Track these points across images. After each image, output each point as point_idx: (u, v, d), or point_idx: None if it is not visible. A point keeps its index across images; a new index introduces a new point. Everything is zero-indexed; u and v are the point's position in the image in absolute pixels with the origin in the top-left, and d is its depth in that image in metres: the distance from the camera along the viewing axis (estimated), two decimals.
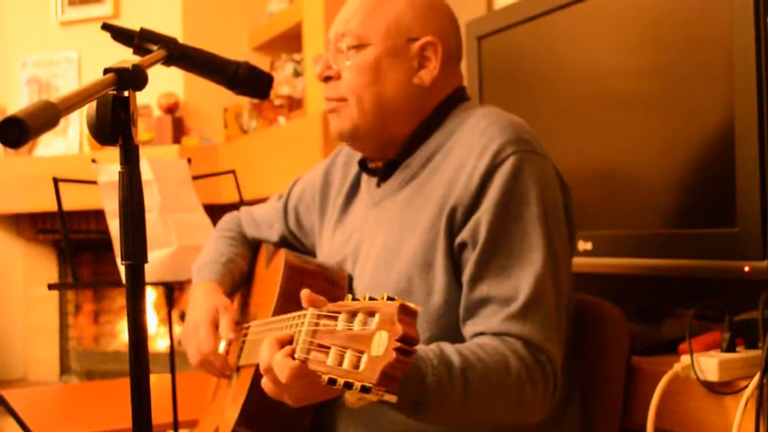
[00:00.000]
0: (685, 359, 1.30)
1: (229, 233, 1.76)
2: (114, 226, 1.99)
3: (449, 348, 1.21)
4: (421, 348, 1.18)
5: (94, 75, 0.96)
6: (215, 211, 2.15)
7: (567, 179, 1.42)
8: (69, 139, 4.89)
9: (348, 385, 0.88)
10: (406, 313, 0.89)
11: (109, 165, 1.98)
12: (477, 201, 1.31)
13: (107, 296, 5.24)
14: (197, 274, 1.66)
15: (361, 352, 0.89)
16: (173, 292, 2.06)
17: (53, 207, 2.12)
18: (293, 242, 1.70)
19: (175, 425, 2.03)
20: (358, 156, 1.54)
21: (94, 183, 2.01)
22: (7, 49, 5.09)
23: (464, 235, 1.31)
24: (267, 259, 1.68)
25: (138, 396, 0.98)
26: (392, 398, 0.88)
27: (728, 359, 1.27)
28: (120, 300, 5.15)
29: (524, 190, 1.30)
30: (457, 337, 1.29)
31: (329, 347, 0.93)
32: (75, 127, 4.88)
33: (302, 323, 1.05)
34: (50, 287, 2.19)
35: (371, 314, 0.91)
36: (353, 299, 0.95)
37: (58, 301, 5.18)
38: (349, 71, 1.40)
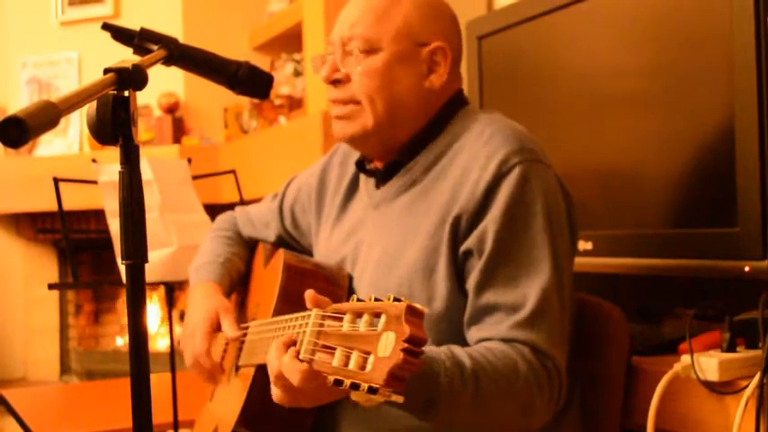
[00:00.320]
0: (685, 359, 1.30)
1: (225, 233, 1.75)
2: (114, 226, 1.99)
3: (459, 351, 1.21)
4: (432, 349, 1.19)
5: (94, 75, 0.96)
6: (215, 211, 2.15)
7: (568, 179, 1.42)
8: (69, 139, 4.89)
9: (355, 386, 0.88)
10: (413, 314, 0.89)
11: (109, 165, 1.99)
12: (484, 209, 1.31)
13: (107, 296, 5.24)
14: (195, 275, 1.66)
15: (368, 353, 0.89)
16: (173, 291, 2.06)
17: (53, 207, 2.13)
18: (290, 242, 1.70)
19: (175, 424, 2.03)
20: (355, 155, 1.53)
21: (95, 183, 2.01)
22: (7, 50, 5.08)
23: (469, 243, 1.31)
24: (265, 259, 1.68)
25: (139, 396, 0.98)
26: (399, 398, 0.88)
27: (729, 359, 1.27)
28: (120, 299, 5.16)
29: (531, 200, 1.31)
30: (457, 343, 1.28)
31: (334, 348, 0.93)
32: (76, 127, 4.88)
33: (306, 324, 1.05)
34: (50, 287, 2.20)
35: (377, 315, 0.91)
36: (358, 299, 0.95)
37: (58, 301, 5.18)
38: (360, 75, 1.39)
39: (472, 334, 1.31)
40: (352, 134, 1.42)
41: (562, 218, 1.36)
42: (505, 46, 2.05)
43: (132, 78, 0.96)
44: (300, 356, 1.03)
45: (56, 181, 2.11)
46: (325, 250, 1.55)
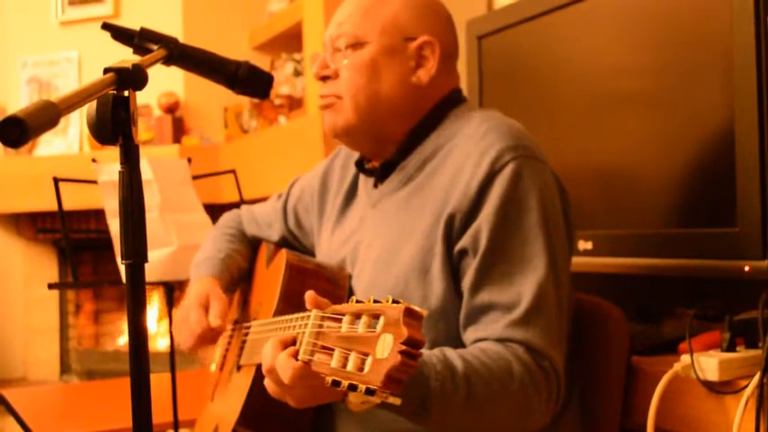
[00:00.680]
0: (685, 359, 1.30)
1: (229, 230, 1.76)
2: (114, 225, 1.99)
3: (452, 353, 1.20)
4: (424, 352, 1.18)
5: (94, 74, 0.96)
6: (215, 211, 2.15)
7: (567, 179, 1.42)
8: (69, 139, 4.89)
9: (352, 387, 0.88)
10: (412, 316, 0.89)
11: (109, 164, 1.99)
12: (477, 208, 1.30)
13: (107, 296, 5.24)
14: (195, 271, 1.66)
15: (366, 354, 0.89)
16: (173, 291, 2.06)
17: (53, 207, 2.12)
18: (293, 242, 1.70)
19: (175, 424, 2.03)
20: (356, 157, 1.54)
21: (95, 182, 2.02)
22: (7, 49, 5.09)
23: (464, 242, 1.31)
24: (268, 258, 1.68)
25: (139, 396, 0.98)
26: (396, 400, 0.88)
27: (728, 359, 1.27)
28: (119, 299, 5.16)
29: (524, 196, 1.30)
30: (454, 343, 1.28)
31: (333, 349, 0.93)
32: (76, 127, 4.88)
33: (305, 324, 1.05)
34: (50, 287, 2.20)
35: (376, 317, 0.91)
36: (357, 301, 0.95)
37: (58, 301, 5.18)
38: (346, 69, 1.41)
39: (468, 334, 1.30)
40: (333, 125, 1.44)
41: (558, 215, 1.35)
42: (505, 46, 2.05)
43: (132, 78, 0.96)
44: (300, 357, 1.03)
45: (56, 181, 2.11)
46: (327, 251, 1.55)
